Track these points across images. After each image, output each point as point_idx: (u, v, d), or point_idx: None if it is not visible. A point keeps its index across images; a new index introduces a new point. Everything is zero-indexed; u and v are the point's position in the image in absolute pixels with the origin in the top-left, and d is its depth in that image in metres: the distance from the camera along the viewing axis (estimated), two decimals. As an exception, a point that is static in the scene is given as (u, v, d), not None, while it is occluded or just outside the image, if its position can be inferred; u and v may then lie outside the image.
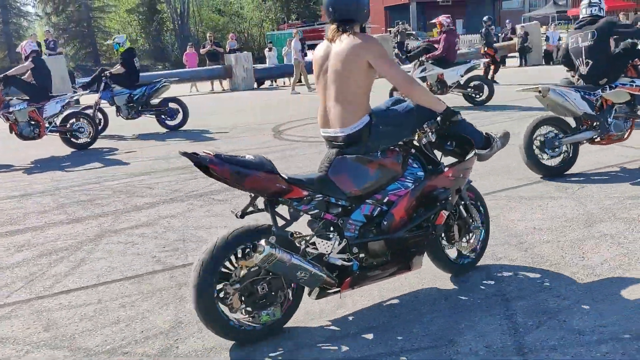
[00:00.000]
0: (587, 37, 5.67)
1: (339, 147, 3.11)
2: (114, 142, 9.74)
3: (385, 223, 3.08)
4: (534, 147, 5.61)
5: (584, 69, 5.77)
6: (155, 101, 10.64)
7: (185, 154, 2.64)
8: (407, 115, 3.22)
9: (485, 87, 11.26)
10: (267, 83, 20.70)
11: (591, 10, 5.79)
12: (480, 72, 12.42)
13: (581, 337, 2.76)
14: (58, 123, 9.07)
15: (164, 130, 10.52)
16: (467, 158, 3.43)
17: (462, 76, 11.13)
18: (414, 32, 47.75)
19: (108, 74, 10.40)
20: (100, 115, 10.35)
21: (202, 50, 20.20)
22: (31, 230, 5.05)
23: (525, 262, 3.70)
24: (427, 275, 3.57)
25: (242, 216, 2.95)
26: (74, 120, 9.14)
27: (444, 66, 11.09)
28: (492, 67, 14.67)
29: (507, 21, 23.77)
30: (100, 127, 10.13)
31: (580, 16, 5.93)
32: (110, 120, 10.58)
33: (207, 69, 19.65)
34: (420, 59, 11.10)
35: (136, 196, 5.99)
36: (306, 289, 3.01)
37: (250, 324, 2.89)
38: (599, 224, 4.29)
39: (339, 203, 3.00)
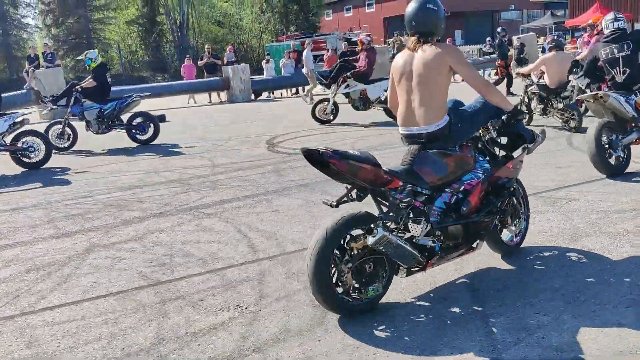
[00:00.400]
0: (623, 48, 6.29)
1: (421, 143, 3.56)
2: (81, 158, 9.76)
3: (464, 209, 3.54)
4: (603, 148, 6.07)
5: (620, 77, 6.36)
6: (125, 116, 10.64)
7: (307, 150, 3.11)
8: (477, 115, 3.73)
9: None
10: (265, 95, 20.75)
11: (618, 24, 6.47)
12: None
13: (559, 354, 2.77)
14: (8, 142, 8.73)
15: (134, 144, 10.48)
16: (518, 152, 3.97)
17: (385, 91, 11.30)
18: (412, 43, 47.79)
19: (79, 89, 10.33)
20: (69, 131, 10.27)
21: (200, 63, 20.26)
22: (20, 245, 5.06)
23: (508, 277, 3.71)
24: (407, 290, 3.59)
25: (337, 205, 3.36)
26: (25, 139, 8.84)
27: (366, 82, 11.49)
28: (504, 79, 14.66)
29: (499, 29, 23.80)
30: (69, 143, 10.21)
31: (607, 30, 6.51)
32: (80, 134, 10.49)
33: (204, 80, 19.73)
34: (344, 75, 11.32)
35: (127, 210, 6.00)
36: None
37: (357, 299, 3.27)
38: (584, 239, 4.31)
39: (423, 192, 3.43)
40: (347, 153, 3.13)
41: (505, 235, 4.04)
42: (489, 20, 61.52)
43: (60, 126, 10.24)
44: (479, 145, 3.84)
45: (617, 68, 6.34)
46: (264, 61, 21.99)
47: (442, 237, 3.49)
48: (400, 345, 2.96)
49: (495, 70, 14.40)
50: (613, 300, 3.28)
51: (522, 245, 4.18)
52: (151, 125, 10.67)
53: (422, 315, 3.28)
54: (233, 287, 3.83)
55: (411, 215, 3.38)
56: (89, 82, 10.44)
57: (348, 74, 11.39)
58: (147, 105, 18.24)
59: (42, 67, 17.26)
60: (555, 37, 10.82)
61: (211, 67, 19.95)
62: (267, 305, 3.52)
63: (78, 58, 12.39)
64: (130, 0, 45.01)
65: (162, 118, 14.53)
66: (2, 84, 32.41)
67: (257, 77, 21.37)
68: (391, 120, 11.23)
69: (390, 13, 63.59)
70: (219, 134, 11.48)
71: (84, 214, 5.96)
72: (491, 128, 3.81)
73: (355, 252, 3.22)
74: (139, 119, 10.65)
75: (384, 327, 3.16)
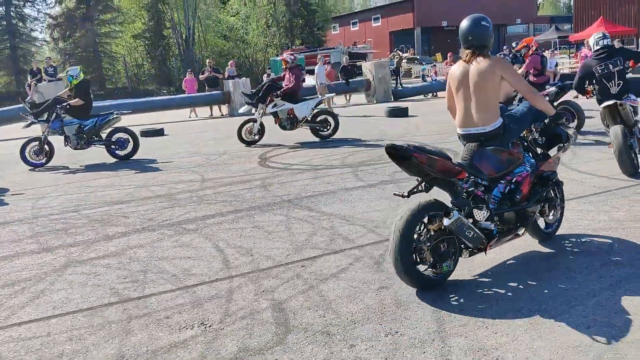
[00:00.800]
0: (616, 63, 7.01)
1: (479, 141, 4.09)
2: (67, 174, 9.83)
3: (517, 197, 4.11)
4: (630, 148, 6.77)
5: (614, 89, 7.04)
6: (104, 132, 10.69)
7: (392, 145, 3.62)
8: (525, 117, 4.33)
9: (332, 121, 11.68)
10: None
11: (606, 42, 7.21)
12: (325, 105, 12.51)
13: (512, 376, 2.77)
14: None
15: (112, 160, 10.55)
16: (553, 151, 4.61)
17: (313, 110, 11.38)
18: (417, 57, 48.23)
19: (67, 106, 10.33)
20: (47, 147, 10.28)
21: (201, 77, 20.43)
22: (0, 260, 5.10)
23: (479, 295, 3.71)
24: (372, 309, 3.59)
25: (408, 195, 3.86)
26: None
27: (294, 101, 11.37)
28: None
29: (505, 47, 23.84)
30: (46, 159, 10.27)
31: (597, 47, 7.19)
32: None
33: (205, 94, 19.88)
34: (272, 95, 11.24)
35: (110, 225, 6.04)
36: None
37: (434, 274, 3.79)
38: (557, 257, 4.30)
39: (483, 183, 3.97)
40: (425, 148, 3.71)
41: (542, 223, 4.62)
42: (496, 33, 61.75)
43: (37, 143, 10.23)
44: (525, 144, 4.45)
45: (613, 81, 7.02)
46: (265, 75, 22.14)
47: (498, 223, 4.02)
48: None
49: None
50: (574, 321, 3.27)
51: (480, 278, 4.18)
52: (130, 140, 10.68)
53: (383, 336, 3.28)
54: (200, 304, 3.85)
55: (474, 202, 3.92)
56: (75, 100, 10.40)
57: (276, 92, 11.27)
58: (147, 118, 18.42)
59: (44, 80, 17.45)
60: (504, 55, 11.49)
61: (212, 81, 20.12)
62: (231, 323, 3.53)
63: (60, 75, 12.40)
64: (137, 15, 45.49)
65: (160, 132, 14.70)
66: (9, 96, 32.74)
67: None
68: (317, 140, 11.50)
69: (396, 27, 63.99)
70: (214, 147, 11.55)
71: (68, 229, 6.01)
72: (534, 129, 4.52)
73: (432, 233, 3.75)
74: (118, 135, 10.68)
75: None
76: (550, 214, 4.59)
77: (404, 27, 63.29)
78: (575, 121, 9.99)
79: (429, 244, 3.72)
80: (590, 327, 3.19)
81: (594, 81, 7.10)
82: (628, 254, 4.28)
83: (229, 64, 22.12)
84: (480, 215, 3.90)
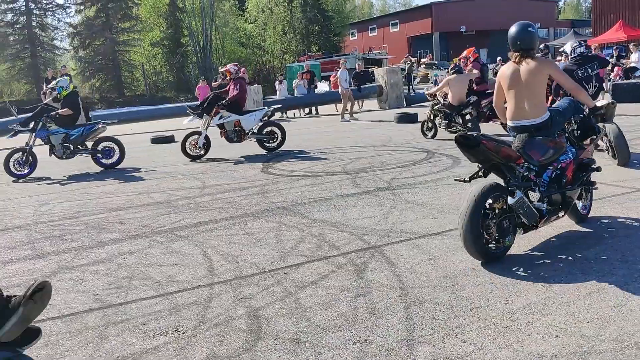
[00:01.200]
0: (594, 67, 7.83)
1: (529, 132, 4.59)
2: (42, 186, 9.96)
3: (563, 181, 4.71)
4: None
5: (592, 91, 7.78)
6: (90, 142, 10.77)
7: (462, 135, 4.28)
8: (567, 111, 4.91)
9: (279, 133, 11.57)
10: (278, 115, 20.94)
11: (582, 49, 8.17)
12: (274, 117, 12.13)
13: (473, 385, 2.76)
14: None
15: (98, 169, 10.63)
16: (586, 142, 5.20)
17: (260, 122, 11.24)
18: (435, 62, 48.06)
19: (56, 115, 10.38)
20: (30, 158, 10.28)
21: (214, 84, 20.54)
22: (-6, 266, 5.21)
23: (448, 305, 3.70)
24: (345, 317, 3.60)
25: (469, 180, 4.57)
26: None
27: (240, 113, 11.23)
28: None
29: (542, 46, 23.58)
30: (29, 170, 10.27)
31: (575, 53, 8.13)
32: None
33: (217, 101, 20.01)
34: (219, 105, 11.09)
35: (105, 232, 6.13)
36: None
37: (498, 247, 4.33)
38: (538, 265, 4.27)
39: (534, 168, 4.49)
40: (491, 137, 4.40)
41: (578, 205, 5.16)
42: (514, 39, 61.10)
43: (21, 153, 10.27)
44: (566, 135, 4.96)
45: (591, 83, 7.85)
46: (277, 82, 22.26)
47: (547, 204, 4.55)
48: None
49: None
50: (543, 331, 3.24)
51: (453, 286, 4.16)
52: (116, 149, 10.78)
53: (352, 344, 3.28)
54: (178, 311, 3.89)
55: (528, 185, 4.45)
56: (64, 110, 10.44)
57: (222, 103, 11.10)
58: (162, 125, 18.62)
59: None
60: (454, 64, 12.40)
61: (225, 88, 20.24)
62: (204, 330, 3.56)
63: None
64: (155, 23, 46.02)
65: (170, 139, 14.86)
66: (30, 103, 33.39)
67: (269, 98, 21.57)
68: (264, 152, 11.30)
69: (414, 33, 63.93)
70: (218, 154, 11.64)
71: (64, 235, 6.11)
72: (573, 122, 5.16)
73: (497, 211, 4.28)
74: (104, 144, 10.77)
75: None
76: (587, 197, 5.26)
77: (422, 32, 63.18)
78: None
79: (494, 220, 4.27)
80: (559, 337, 3.16)
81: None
82: (614, 260, 4.23)
83: (240, 71, 22.26)
84: (534, 196, 4.48)
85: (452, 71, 11.62)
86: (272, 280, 4.34)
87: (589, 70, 7.84)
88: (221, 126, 11.35)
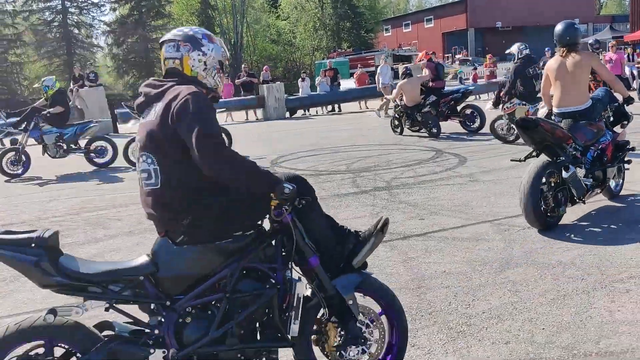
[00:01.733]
0: (539, 65, 8.97)
1: (574, 117, 5.36)
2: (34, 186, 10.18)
3: (604, 160, 5.41)
4: None
5: (538, 88, 8.71)
6: (83, 141, 10.81)
7: (522, 118, 5.18)
8: (605, 99, 5.67)
9: (109, 147, 10.73)
10: (300, 112, 21.03)
11: (527, 51, 9.57)
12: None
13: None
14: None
15: (92, 168, 10.60)
16: (617, 127, 5.89)
17: (82, 135, 10.62)
18: (470, 58, 47.37)
19: (47, 114, 10.38)
20: (24, 157, 10.27)
21: (237, 81, 20.80)
22: (-11, 260, 5.38)
23: (409, 307, 3.67)
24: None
25: (524, 160, 5.32)
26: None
27: (61, 126, 10.49)
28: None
29: (547, 49, 23.18)
30: (22, 169, 10.26)
31: (522, 55, 9.57)
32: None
33: (239, 99, 20.19)
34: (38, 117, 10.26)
35: (102, 228, 6.28)
36: None
37: (553, 216, 4.99)
38: (511, 269, 4.21)
39: (579, 149, 5.18)
40: (546, 120, 5.19)
41: (612, 184, 5.80)
42: (551, 34, 59.89)
43: (14, 153, 10.27)
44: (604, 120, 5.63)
45: (538, 81, 8.88)
46: (300, 79, 22.31)
47: (592, 179, 5.27)
48: None
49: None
50: (495, 337, 3.21)
51: (420, 288, 4.12)
52: (109, 148, 10.76)
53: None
54: (146, 308, 3.97)
55: (577, 163, 5.10)
56: (56, 108, 10.45)
57: (40, 115, 10.36)
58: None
59: (86, 86, 18.17)
60: (405, 68, 13.36)
61: (248, 85, 20.44)
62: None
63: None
64: (188, 20, 46.63)
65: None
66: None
67: (292, 96, 21.66)
68: (92, 169, 10.56)
69: (449, 28, 63.10)
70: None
71: (63, 231, 6.26)
72: (609, 109, 5.75)
73: (553, 184, 4.98)
74: (97, 143, 10.81)
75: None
76: (620, 176, 5.91)
77: (456, 28, 62.36)
78: (478, 121, 11.61)
79: (551, 192, 4.95)
80: (509, 343, 3.13)
81: (524, 82, 9.41)
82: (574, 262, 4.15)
83: (263, 68, 22.44)
84: (581, 173, 5.15)
85: (402, 76, 12.37)
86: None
87: (537, 69, 9.35)
88: (41, 140, 10.43)
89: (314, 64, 44.79)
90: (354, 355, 2.62)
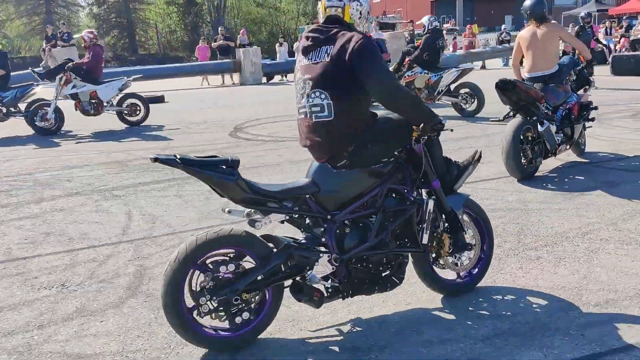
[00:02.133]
0: (443, 39, 10.55)
1: (544, 81, 6.06)
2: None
3: (572, 117, 6.16)
4: None
5: (442, 59, 10.79)
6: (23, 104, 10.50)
7: (501, 80, 5.68)
8: (570, 64, 6.45)
9: (141, 106, 10.81)
10: (277, 78, 20.90)
11: (436, 23, 10.46)
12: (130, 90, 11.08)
13: None
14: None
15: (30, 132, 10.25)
16: (580, 92, 6.62)
17: (119, 91, 10.61)
18: (457, 28, 47.01)
19: None
20: None
21: (213, 44, 20.58)
22: None
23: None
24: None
25: (503, 119, 6.09)
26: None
27: (95, 83, 10.43)
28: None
29: (583, 14, 22.93)
30: None
31: (431, 26, 10.31)
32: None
33: (215, 63, 20.05)
34: (66, 73, 10.20)
35: (50, 188, 6.29)
36: None
37: (530, 166, 5.76)
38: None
39: (549, 108, 5.90)
40: (522, 81, 5.84)
41: (581, 141, 6.66)
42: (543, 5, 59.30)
43: None
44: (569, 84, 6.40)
45: (443, 53, 10.64)
46: (277, 44, 22.12)
47: (562, 135, 6.02)
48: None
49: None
50: (399, 299, 3.31)
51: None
52: (52, 113, 10.14)
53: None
54: (74, 267, 4.03)
55: (551, 118, 5.84)
56: None
57: (69, 66, 10.27)
58: (158, 85, 18.71)
59: (59, 46, 17.89)
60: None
61: (224, 49, 20.23)
62: (87, 286, 3.70)
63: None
64: (171, -20, 45.80)
65: (160, 99, 14.95)
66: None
67: (269, 60, 21.49)
68: (125, 127, 10.61)
69: (437, -4, 62.28)
70: (200, 116, 11.72)
71: (11, 190, 6.28)
72: (573, 73, 6.52)
73: (530, 138, 5.72)
74: (39, 106, 10.21)
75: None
76: (584, 135, 6.65)
77: (447, -5, 61.57)
78: (475, 102, 10.20)
79: (529, 145, 5.68)
80: (410, 304, 3.23)
81: (431, 52, 10.06)
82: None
83: (240, 32, 22.18)
84: (553, 129, 5.79)
85: None
86: (176, 241, 4.46)
87: (444, 41, 10.88)
88: (74, 96, 10.41)
89: (299, 29, 44.27)
90: (460, 260, 3.30)
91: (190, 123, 10.81)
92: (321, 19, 2.97)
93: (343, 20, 2.92)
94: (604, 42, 18.20)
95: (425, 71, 10.23)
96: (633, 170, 6.06)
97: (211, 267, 2.72)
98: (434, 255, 3.25)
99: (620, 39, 19.18)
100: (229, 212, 2.80)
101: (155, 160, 2.48)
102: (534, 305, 3.19)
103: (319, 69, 2.82)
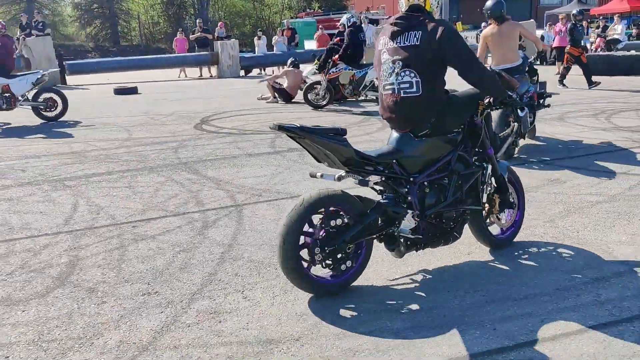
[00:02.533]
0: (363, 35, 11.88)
1: (510, 73, 6.11)
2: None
3: (534, 104, 7.12)
4: None
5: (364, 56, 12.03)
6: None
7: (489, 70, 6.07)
8: (525, 58, 7.18)
9: (59, 100, 10.45)
10: (256, 71, 20.83)
11: (354, 19, 11.41)
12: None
13: None
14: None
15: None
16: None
17: (33, 85, 10.19)
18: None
19: None
20: None
21: (191, 37, 20.45)
22: None
23: (260, 262, 3.79)
24: (154, 271, 3.69)
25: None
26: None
27: (6, 76, 10.12)
28: (570, 68, 13.74)
29: (575, 11, 22.98)
30: None
31: (350, 22, 11.21)
32: None
33: (193, 55, 19.95)
34: None
35: (2, 178, 6.23)
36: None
37: (512, 148, 6.58)
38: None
39: (517, 96, 5.64)
40: (501, 73, 5.85)
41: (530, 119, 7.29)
42: (528, 3, 59.78)
43: None
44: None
45: (364, 48, 11.61)
46: (256, 37, 22.03)
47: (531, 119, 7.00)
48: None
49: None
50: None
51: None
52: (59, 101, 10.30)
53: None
54: (8, 256, 3.99)
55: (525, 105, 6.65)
56: None
57: None
58: (136, 76, 18.57)
59: (33, 35, 17.67)
60: (293, 59, 13.17)
61: (202, 41, 20.12)
62: (18, 275, 3.66)
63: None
64: (154, -28, 45.38)
65: (133, 90, 14.86)
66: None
67: (247, 54, 21.41)
68: (44, 121, 10.28)
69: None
70: (168, 108, 11.66)
71: (-38, 179, 6.22)
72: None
73: (510, 122, 6.38)
74: (46, 95, 10.32)
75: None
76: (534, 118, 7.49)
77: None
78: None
79: (511, 126, 6.35)
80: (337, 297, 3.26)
81: (355, 48, 10.92)
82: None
83: (218, 24, 22.06)
84: (523, 113, 6.48)
85: (290, 65, 12.72)
86: (116, 232, 4.45)
87: (364, 37, 11.58)
88: None
89: (282, 23, 44.09)
90: (505, 217, 3.91)
91: (157, 115, 10.76)
92: (404, 8, 3.40)
93: (424, 9, 3.37)
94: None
95: (350, 67, 10.93)
96: (579, 168, 6.13)
97: (322, 221, 3.13)
98: (484, 213, 3.74)
99: (596, 38, 19.34)
100: (322, 176, 3.30)
101: (280, 128, 2.86)
102: (455, 299, 3.23)
103: (409, 51, 3.28)
